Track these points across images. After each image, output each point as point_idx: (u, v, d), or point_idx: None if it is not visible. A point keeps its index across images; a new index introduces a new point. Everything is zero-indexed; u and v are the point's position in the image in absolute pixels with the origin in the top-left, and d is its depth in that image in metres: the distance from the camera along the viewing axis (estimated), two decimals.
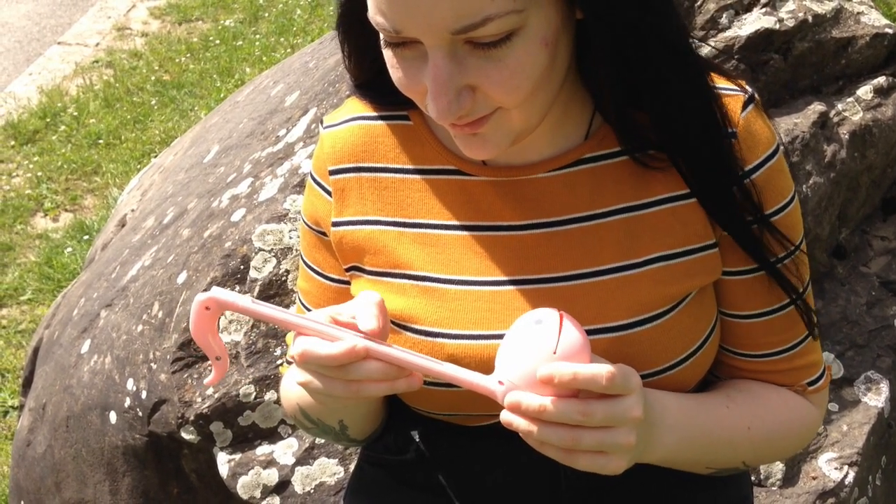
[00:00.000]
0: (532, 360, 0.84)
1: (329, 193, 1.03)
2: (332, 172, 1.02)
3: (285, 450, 1.70)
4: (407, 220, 1.00)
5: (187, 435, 1.73)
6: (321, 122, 1.06)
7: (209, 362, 1.74)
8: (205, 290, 1.73)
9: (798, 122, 1.92)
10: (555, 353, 0.84)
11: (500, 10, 0.80)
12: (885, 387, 1.89)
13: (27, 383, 2.39)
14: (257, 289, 1.74)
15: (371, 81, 1.01)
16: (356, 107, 1.04)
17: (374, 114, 1.03)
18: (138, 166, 4.24)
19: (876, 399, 1.87)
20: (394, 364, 0.86)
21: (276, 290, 1.74)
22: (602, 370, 0.82)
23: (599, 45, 0.86)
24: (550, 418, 0.83)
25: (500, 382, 0.85)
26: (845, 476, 1.75)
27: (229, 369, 1.71)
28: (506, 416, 0.85)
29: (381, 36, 0.86)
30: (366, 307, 0.87)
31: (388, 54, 0.87)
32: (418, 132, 1.01)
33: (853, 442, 1.80)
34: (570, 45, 0.88)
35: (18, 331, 3.48)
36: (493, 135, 0.89)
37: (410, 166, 1.00)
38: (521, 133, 0.90)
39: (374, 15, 0.83)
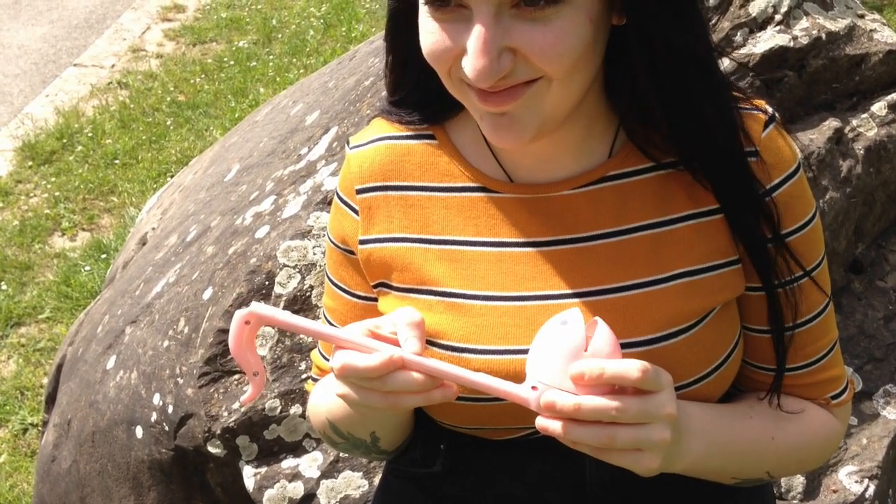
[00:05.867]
0: (561, 360, 0.84)
1: (356, 212, 1.04)
2: (360, 191, 1.04)
3: (310, 463, 1.71)
4: (433, 237, 1.01)
5: (213, 449, 1.75)
6: (347, 143, 1.08)
7: (236, 377, 1.77)
8: (231, 305, 1.75)
9: (814, 137, 1.94)
10: (585, 350, 0.84)
11: None
12: None
13: (51, 400, 2.40)
14: (282, 304, 1.76)
15: (401, 100, 1.03)
16: (382, 127, 1.06)
17: (401, 133, 1.04)
18: (154, 186, 4.27)
19: (895, 412, 1.87)
20: (429, 375, 0.86)
21: (300, 306, 1.75)
22: (632, 364, 0.83)
23: (636, 54, 0.88)
24: (585, 416, 0.83)
25: (534, 388, 0.85)
26: (866, 489, 1.75)
27: None
28: (541, 422, 0.85)
29: (424, 1, 0.87)
30: (408, 328, 0.87)
31: (427, 22, 0.88)
32: (444, 151, 1.02)
33: (873, 455, 1.80)
34: (604, 49, 0.89)
35: (37, 349, 3.50)
36: (521, 114, 0.88)
37: (436, 184, 1.02)
38: (548, 119, 0.89)
39: None
